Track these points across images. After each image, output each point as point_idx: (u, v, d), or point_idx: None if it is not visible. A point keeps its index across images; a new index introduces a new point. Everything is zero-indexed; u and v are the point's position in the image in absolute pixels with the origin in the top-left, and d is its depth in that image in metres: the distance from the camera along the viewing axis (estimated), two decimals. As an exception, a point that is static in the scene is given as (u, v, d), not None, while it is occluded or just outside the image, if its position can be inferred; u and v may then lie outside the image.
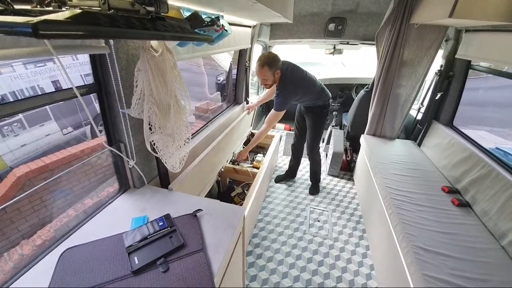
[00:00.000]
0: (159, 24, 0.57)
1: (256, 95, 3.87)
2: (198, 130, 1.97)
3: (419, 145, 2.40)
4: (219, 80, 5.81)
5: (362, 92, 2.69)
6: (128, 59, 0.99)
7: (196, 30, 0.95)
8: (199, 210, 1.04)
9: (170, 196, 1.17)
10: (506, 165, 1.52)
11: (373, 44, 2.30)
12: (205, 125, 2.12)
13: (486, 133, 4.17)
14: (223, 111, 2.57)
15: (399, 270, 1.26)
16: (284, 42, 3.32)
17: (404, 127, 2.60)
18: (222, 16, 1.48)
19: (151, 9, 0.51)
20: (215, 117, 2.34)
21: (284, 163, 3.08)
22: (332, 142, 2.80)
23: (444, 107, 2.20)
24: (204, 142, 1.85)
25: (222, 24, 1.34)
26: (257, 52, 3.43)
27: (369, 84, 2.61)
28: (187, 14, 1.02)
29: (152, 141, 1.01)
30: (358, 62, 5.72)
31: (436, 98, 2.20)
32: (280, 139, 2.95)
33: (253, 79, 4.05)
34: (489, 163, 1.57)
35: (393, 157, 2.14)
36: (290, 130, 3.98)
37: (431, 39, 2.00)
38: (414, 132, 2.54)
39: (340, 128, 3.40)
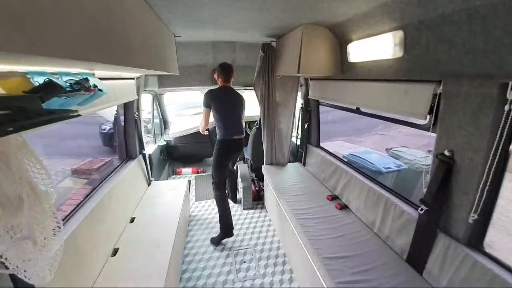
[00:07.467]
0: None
1: (153, 144, 3.56)
2: (79, 204, 1.54)
3: (304, 164, 2.95)
4: (104, 130, 4.89)
5: (254, 128, 3.10)
6: None
7: (51, 102, 0.79)
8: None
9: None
10: (358, 169, 2.12)
11: (253, 89, 2.75)
12: (90, 193, 1.70)
13: (342, 142, 5.70)
14: (114, 170, 2.18)
15: (320, 284, 1.40)
16: (174, 90, 3.36)
17: (292, 152, 3.15)
18: (93, 74, 1.32)
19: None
20: (103, 180, 1.93)
21: (198, 209, 2.90)
22: (239, 177, 2.95)
23: (311, 133, 2.87)
24: (92, 215, 1.47)
25: (94, 85, 1.20)
26: (145, 101, 3.24)
27: (257, 121, 3.03)
28: (40, 79, 0.85)
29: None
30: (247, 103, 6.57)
31: (305, 127, 2.86)
32: (189, 184, 2.80)
33: (147, 126, 3.73)
34: (348, 171, 2.13)
35: (289, 180, 2.52)
36: (197, 173, 3.87)
37: (291, 85, 2.66)
38: (299, 155, 3.11)
39: (244, 162, 3.66)
